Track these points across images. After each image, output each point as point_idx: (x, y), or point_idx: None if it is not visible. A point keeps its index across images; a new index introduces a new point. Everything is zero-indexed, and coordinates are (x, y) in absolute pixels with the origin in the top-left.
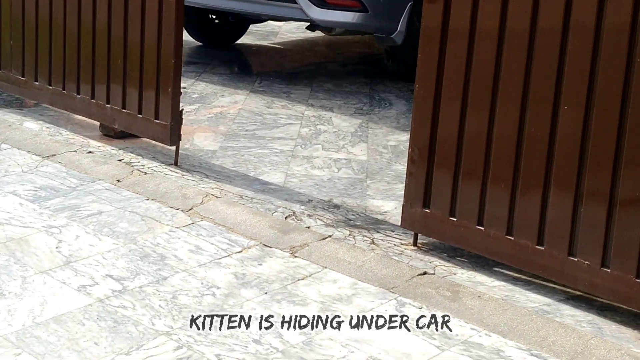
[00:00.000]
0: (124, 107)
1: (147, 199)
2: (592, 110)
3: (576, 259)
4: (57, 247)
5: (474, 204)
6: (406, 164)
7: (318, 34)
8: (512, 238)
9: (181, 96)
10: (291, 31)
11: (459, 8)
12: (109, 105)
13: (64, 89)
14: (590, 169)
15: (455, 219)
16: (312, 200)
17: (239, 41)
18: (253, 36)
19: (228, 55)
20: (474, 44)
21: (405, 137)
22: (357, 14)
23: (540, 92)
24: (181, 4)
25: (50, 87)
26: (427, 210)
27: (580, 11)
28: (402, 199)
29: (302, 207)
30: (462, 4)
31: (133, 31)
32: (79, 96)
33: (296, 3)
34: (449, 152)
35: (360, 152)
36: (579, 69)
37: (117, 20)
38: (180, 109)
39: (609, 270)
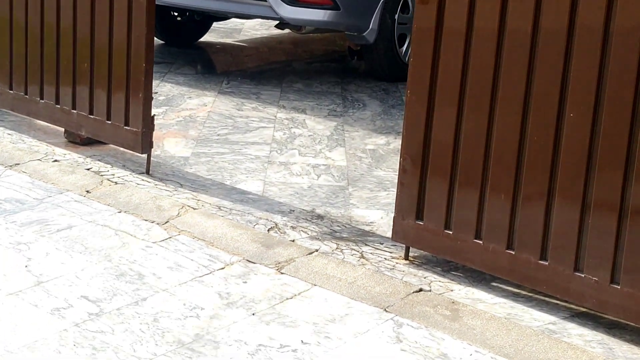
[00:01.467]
0: (91, 113)
1: (120, 212)
2: (600, 116)
3: (583, 275)
4: (26, 266)
5: (471, 216)
6: (387, 170)
7: (285, 31)
8: (513, 252)
9: (152, 101)
10: (255, 28)
11: (455, 7)
12: (75, 111)
13: (26, 94)
14: (598, 178)
15: (450, 232)
16: (294, 211)
17: (202, 39)
18: (216, 33)
19: (192, 54)
20: (471, 46)
21: (383, 140)
22: (329, 11)
23: (544, 96)
24: (152, 5)
25: (11, 92)
26: (420, 223)
27: (587, 10)
28: (387, 208)
29: (285, 219)
30: (457, 3)
31: (100, 32)
32: (42, 101)
33: (265, 1)
34: (444, 161)
35: (339, 157)
36: (585, 73)
37: (83, 20)
38: (151, 115)
39: (618, 287)
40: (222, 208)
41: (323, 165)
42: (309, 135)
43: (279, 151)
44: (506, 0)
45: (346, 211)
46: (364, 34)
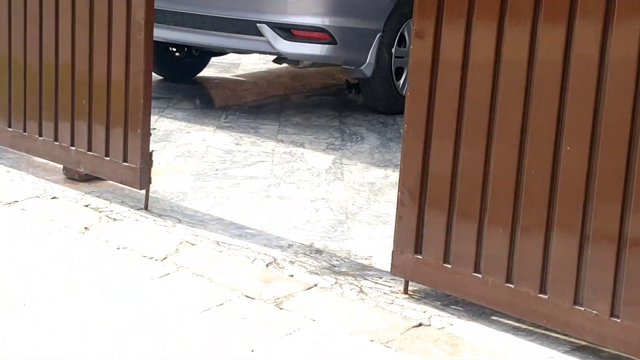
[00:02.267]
0: (89, 150)
1: (118, 248)
2: (597, 148)
3: (583, 308)
4: (24, 304)
5: (470, 249)
6: (386, 203)
7: (283, 65)
8: (512, 286)
9: (150, 137)
10: (253, 62)
11: (451, 40)
12: (73, 148)
13: (24, 131)
14: (596, 210)
15: (449, 266)
16: (292, 245)
17: (200, 74)
18: (214, 68)
19: (190, 89)
20: (467, 78)
21: (381, 173)
22: (326, 46)
23: (541, 128)
24: (150, 41)
25: (10, 129)
26: (419, 257)
27: (582, 41)
28: (386, 241)
29: (283, 253)
30: (453, 37)
31: (99, 69)
32: (41, 138)
33: (263, 36)
34: (442, 194)
35: (337, 191)
36: (582, 105)
37: (82, 57)
38: (150, 151)
39: (619, 320)
40: (220, 243)
41: (321, 199)
42: (308, 169)
43: (277, 185)
44: (501, 32)
45: (345, 245)
46: (362, 68)
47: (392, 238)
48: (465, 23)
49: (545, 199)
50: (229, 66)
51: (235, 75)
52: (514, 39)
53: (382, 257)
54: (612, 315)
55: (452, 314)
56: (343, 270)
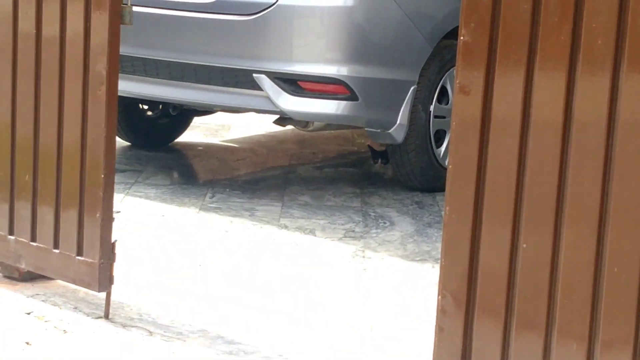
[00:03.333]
0: (33, 239)
1: None
2: None
3: None
4: None
5: None
6: (422, 311)
7: (287, 128)
8: None
9: (113, 222)
10: (248, 124)
11: (505, 97)
12: (12, 237)
13: None
14: None
15: None
16: None
17: (179, 139)
18: (197, 132)
19: (166, 159)
20: (527, 145)
21: (417, 271)
22: (344, 102)
23: (626, 211)
24: (114, 98)
25: None
26: None
27: None
28: None
29: None
30: (509, 92)
31: (46, 134)
32: None
33: (261, 89)
34: (496, 298)
35: (357, 295)
36: None
37: (24, 117)
38: (112, 241)
39: None
40: None
41: (335, 306)
42: (319, 265)
43: (277, 287)
44: (572, 85)
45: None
46: (390, 131)
47: (431, 357)
48: (524, 73)
49: (633, 305)
50: (217, 129)
51: (225, 141)
52: (589, 94)
53: None
54: None
55: None
56: None
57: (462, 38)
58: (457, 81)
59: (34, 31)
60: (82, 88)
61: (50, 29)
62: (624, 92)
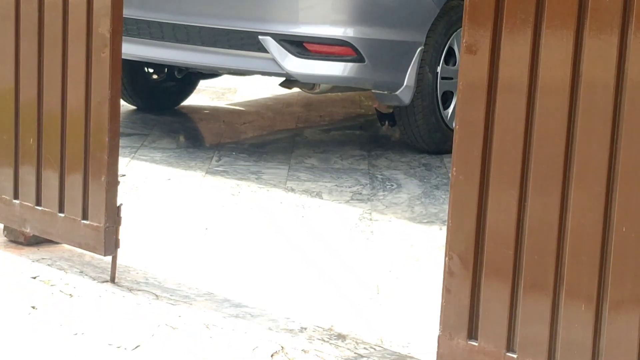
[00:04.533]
0: (38, 204)
1: (76, 334)
2: None
3: None
4: None
5: (542, 333)
6: (430, 273)
7: (294, 91)
8: None
9: (118, 186)
10: (254, 87)
11: (512, 56)
12: (17, 201)
13: None
14: None
15: (515, 355)
16: (306, 329)
17: (185, 102)
18: (203, 95)
19: (172, 122)
20: (534, 105)
21: (424, 233)
22: (350, 64)
23: (634, 171)
24: (118, 60)
25: None
26: (473, 343)
27: None
28: (430, 323)
29: (294, 339)
30: (516, 52)
31: (50, 97)
32: None
33: (267, 52)
34: (503, 260)
35: (365, 256)
36: None
37: (28, 81)
38: (118, 205)
39: None
40: (210, 326)
41: (344, 267)
42: (326, 228)
43: (285, 249)
44: (580, 44)
45: (376, 328)
46: (397, 93)
47: (438, 318)
48: (531, 33)
49: None
50: (223, 92)
51: (232, 104)
52: (597, 53)
53: (425, 344)
54: None
55: None
56: None
57: None
58: (464, 41)
59: None
60: (86, 51)
61: None
62: (632, 51)
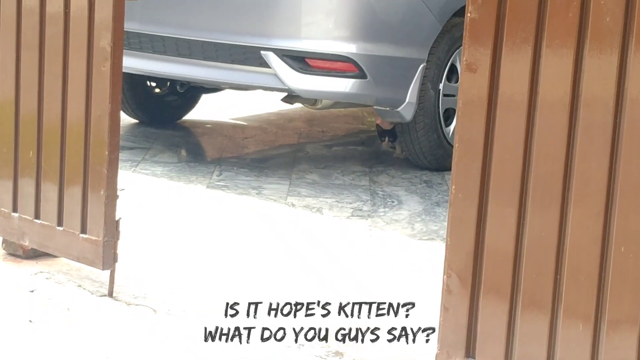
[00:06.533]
0: (37, 217)
1: (74, 347)
2: None
3: None
4: None
5: (540, 351)
6: (428, 290)
7: (296, 106)
8: None
9: (117, 200)
10: (256, 102)
11: (512, 74)
12: (16, 214)
13: None
14: None
15: None
16: (303, 345)
17: (187, 116)
18: (205, 109)
19: (174, 136)
20: (534, 123)
21: (425, 249)
22: (353, 80)
23: (633, 190)
24: (119, 74)
25: None
26: None
27: None
28: (428, 341)
29: (293, 354)
30: (516, 70)
31: (50, 110)
32: None
33: (269, 67)
34: (501, 278)
35: (364, 273)
36: None
37: (28, 94)
38: (117, 219)
39: None
40: (209, 342)
41: (342, 285)
42: (326, 244)
43: (283, 266)
44: (580, 62)
45: (373, 347)
46: (399, 109)
47: (436, 336)
48: (532, 51)
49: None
50: (225, 107)
51: (233, 119)
52: (597, 72)
53: None
54: None
55: None
56: None
57: (469, 15)
58: (464, 58)
59: (38, 7)
60: (87, 64)
61: (55, 5)
62: (631, 70)
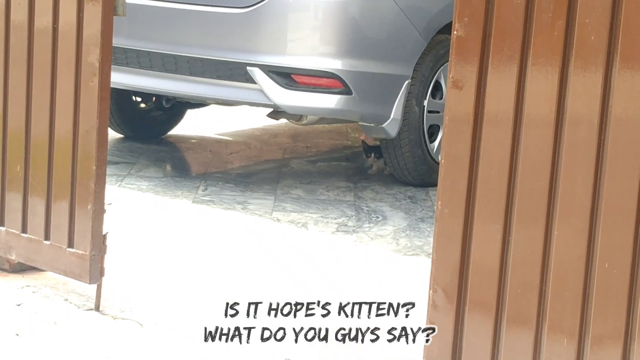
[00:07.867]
0: (24, 231)
1: None
2: None
3: None
4: None
5: None
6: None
7: (281, 121)
8: None
9: (104, 214)
10: (242, 117)
11: (498, 92)
12: (2, 228)
13: None
14: None
15: None
16: None
17: (172, 132)
18: (191, 124)
19: (159, 151)
20: (519, 140)
21: (411, 264)
22: (338, 97)
23: (617, 208)
24: (107, 89)
25: None
26: None
27: None
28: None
29: None
30: (502, 87)
31: (38, 125)
32: None
33: (255, 83)
34: (487, 294)
35: (348, 291)
36: None
37: (16, 109)
38: (104, 233)
39: None
40: (197, 357)
41: (325, 302)
42: (310, 261)
43: (268, 283)
44: (565, 80)
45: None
46: (384, 126)
47: (422, 353)
48: (517, 68)
49: (623, 301)
50: (210, 122)
51: (219, 134)
52: (582, 89)
53: None
54: None
55: None
56: None
57: (455, 32)
58: (450, 76)
59: (27, 22)
60: (75, 79)
61: (43, 20)
62: (616, 88)
